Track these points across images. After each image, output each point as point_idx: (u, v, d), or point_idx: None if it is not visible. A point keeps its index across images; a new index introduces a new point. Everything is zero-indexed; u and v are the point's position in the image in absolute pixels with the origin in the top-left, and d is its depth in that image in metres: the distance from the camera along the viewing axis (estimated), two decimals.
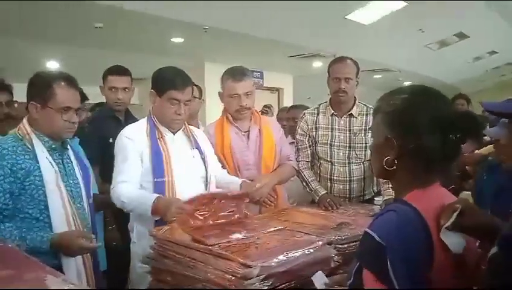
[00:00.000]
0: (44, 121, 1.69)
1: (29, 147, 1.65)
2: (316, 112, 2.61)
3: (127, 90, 2.75)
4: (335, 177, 2.52)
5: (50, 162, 1.67)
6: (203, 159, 2.11)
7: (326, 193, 2.43)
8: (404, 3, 5.55)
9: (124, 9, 4.46)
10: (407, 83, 10.00)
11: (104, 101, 2.89)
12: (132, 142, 1.99)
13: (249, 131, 2.38)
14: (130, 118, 2.82)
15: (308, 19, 5.46)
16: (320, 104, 2.64)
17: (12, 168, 1.58)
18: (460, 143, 0.99)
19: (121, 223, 2.28)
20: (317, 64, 7.81)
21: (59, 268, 1.58)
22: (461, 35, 7.31)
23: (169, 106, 1.98)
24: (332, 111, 2.54)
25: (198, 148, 2.12)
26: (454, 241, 0.94)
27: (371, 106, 2.52)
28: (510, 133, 1.66)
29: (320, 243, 1.45)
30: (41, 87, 1.69)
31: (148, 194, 1.90)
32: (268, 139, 2.39)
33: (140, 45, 5.96)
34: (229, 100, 2.34)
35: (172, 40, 5.88)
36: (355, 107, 2.53)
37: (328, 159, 2.53)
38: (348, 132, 2.51)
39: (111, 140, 2.57)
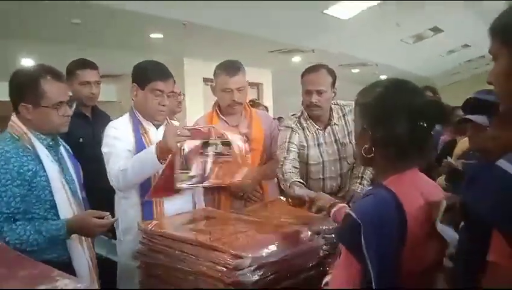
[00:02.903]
0: (39, 120, 1.64)
1: (29, 147, 1.61)
2: (299, 127, 2.33)
3: (98, 83, 2.63)
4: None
5: (51, 161, 1.65)
6: None
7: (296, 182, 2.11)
8: None
9: (101, 5, 4.39)
10: (383, 77, 10.16)
11: None
12: (120, 141, 1.94)
13: (238, 125, 2.35)
14: (98, 114, 2.71)
15: (286, 14, 5.48)
16: (299, 117, 2.35)
17: (19, 170, 1.54)
18: (430, 130, 1.07)
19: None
20: (296, 59, 7.85)
21: (69, 264, 1.61)
22: (436, 30, 7.48)
23: (153, 98, 1.96)
24: (317, 127, 2.32)
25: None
26: (449, 234, 1.01)
27: (343, 103, 2.38)
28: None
29: (309, 233, 1.49)
30: (28, 86, 1.62)
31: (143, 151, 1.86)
32: (257, 134, 2.35)
33: (119, 41, 5.88)
34: (221, 94, 2.31)
35: (151, 35, 5.83)
36: (334, 113, 2.34)
37: (320, 177, 2.34)
38: (334, 144, 2.32)
39: (81, 140, 2.42)
